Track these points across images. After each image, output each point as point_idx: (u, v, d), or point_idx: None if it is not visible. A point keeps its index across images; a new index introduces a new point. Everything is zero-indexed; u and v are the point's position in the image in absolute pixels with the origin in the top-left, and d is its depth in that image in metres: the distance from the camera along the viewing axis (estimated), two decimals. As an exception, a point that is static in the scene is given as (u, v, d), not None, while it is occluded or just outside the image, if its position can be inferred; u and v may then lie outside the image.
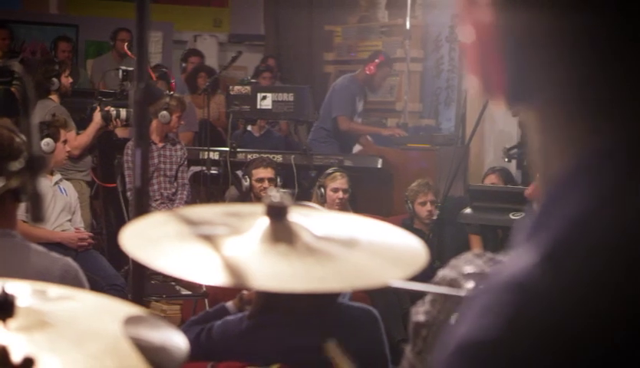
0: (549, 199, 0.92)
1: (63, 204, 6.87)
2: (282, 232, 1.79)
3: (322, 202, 7.24)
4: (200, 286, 6.38)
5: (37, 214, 1.59)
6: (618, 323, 0.81)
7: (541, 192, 0.95)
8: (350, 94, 9.51)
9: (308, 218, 1.87)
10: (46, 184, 6.67)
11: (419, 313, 2.11)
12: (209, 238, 1.75)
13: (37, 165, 1.62)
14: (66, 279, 3.03)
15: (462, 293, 1.98)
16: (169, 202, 8.03)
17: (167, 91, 8.40)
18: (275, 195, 1.81)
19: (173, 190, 8.13)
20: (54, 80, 8.27)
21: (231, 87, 8.90)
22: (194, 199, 8.57)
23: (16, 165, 1.68)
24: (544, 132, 0.96)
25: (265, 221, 1.81)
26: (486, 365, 0.83)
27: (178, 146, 8.21)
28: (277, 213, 1.80)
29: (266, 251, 1.76)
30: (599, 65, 0.92)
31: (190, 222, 1.82)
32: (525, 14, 0.94)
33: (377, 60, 9.68)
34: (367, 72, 9.61)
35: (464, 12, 0.98)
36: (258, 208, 1.84)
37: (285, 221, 1.81)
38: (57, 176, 6.98)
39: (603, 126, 0.91)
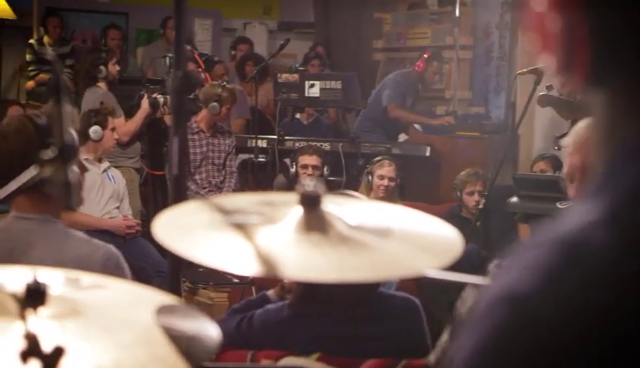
0: (607, 172, 0.92)
1: (111, 191, 6.91)
2: (315, 221, 1.78)
3: (369, 189, 7.21)
4: (247, 274, 6.38)
5: (68, 202, 1.59)
6: None
7: (596, 172, 0.94)
8: (401, 88, 9.51)
9: (342, 207, 1.85)
10: (95, 172, 6.71)
11: (461, 310, 2.09)
12: (242, 227, 1.74)
13: (68, 153, 1.61)
14: (107, 266, 3.04)
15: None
16: (217, 190, 8.06)
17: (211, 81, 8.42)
18: (309, 184, 1.80)
19: (221, 178, 8.15)
20: (102, 68, 8.32)
21: (279, 75, 8.90)
22: (242, 187, 8.58)
23: (48, 154, 1.68)
24: (611, 117, 0.95)
25: (298, 211, 1.79)
26: (531, 317, 0.82)
27: (227, 135, 8.23)
28: (311, 202, 1.79)
29: (299, 240, 1.74)
30: None
31: (224, 211, 1.81)
32: None
33: (424, 56, 9.65)
34: (417, 69, 9.61)
35: None
36: (292, 197, 1.82)
37: (319, 210, 1.80)
38: (106, 164, 7.02)
39: None
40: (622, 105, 0.94)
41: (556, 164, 7.25)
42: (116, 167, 7.35)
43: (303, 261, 1.71)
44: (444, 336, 2.17)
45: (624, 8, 0.92)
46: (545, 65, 0.98)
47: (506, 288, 0.85)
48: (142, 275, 6.53)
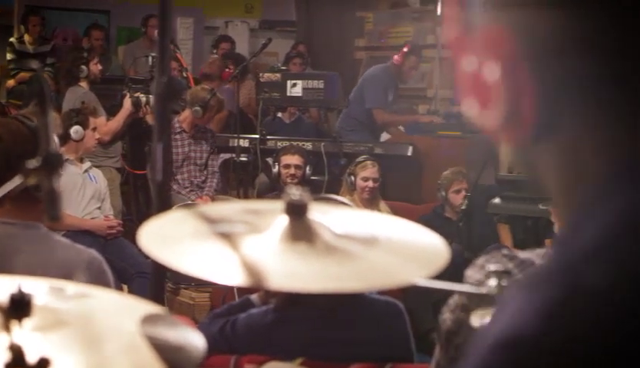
0: (584, 207, 0.92)
1: (92, 191, 6.89)
2: (301, 231, 1.77)
3: (352, 190, 7.21)
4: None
5: (53, 212, 1.58)
6: None
7: (562, 223, 0.95)
8: (382, 84, 9.49)
9: (327, 216, 1.84)
10: (76, 172, 6.69)
11: (448, 320, 2.08)
12: (227, 237, 1.73)
13: (53, 163, 1.60)
14: (91, 271, 3.04)
15: (485, 291, 1.95)
16: (198, 190, 8.05)
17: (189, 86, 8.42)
18: (295, 193, 1.79)
19: (203, 178, 8.15)
20: (83, 67, 8.31)
21: (261, 75, 8.89)
22: (224, 187, 8.57)
23: (33, 163, 1.66)
24: (565, 167, 0.96)
25: (284, 220, 1.78)
26: (527, 360, 0.82)
27: (208, 135, 8.23)
28: (296, 211, 1.78)
29: (285, 250, 1.73)
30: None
31: (209, 220, 1.80)
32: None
33: (403, 49, 9.65)
34: (395, 62, 9.59)
35: (486, 47, 0.97)
36: (278, 206, 1.81)
37: (305, 219, 1.79)
38: (87, 164, 7.00)
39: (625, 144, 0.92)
40: (575, 155, 0.95)
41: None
42: (96, 166, 7.34)
43: (289, 270, 1.70)
44: (437, 351, 2.17)
45: (569, 56, 0.92)
46: (487, 124, 0.98)
47: (505, 332, 0.85)
48: (123, 276, 6.53)
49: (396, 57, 9.61)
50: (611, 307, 0.82)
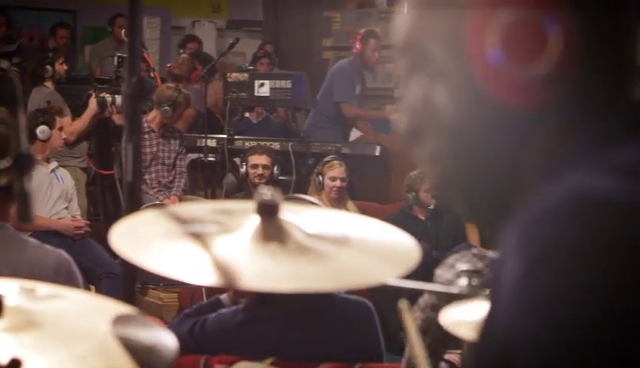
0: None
1: (59, 192, 6.86)
2: (272, 231, 1.77)
3: (320, 189, 7.22)
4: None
5: (24, 213, 1.57)
6: None
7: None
8: (349, 77, 9.47)
9: (299, 216, 1.85)
10: (43, 172, 6.66)
11: (418, 319, 2.09)
12: (199, 237, 1.73)
13: (24, 163, 1.60)
14: (59, 272, 3.02)
15: (456, 290, 1.96)
16: (166, 190, 8.03)
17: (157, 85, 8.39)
18: (266, 193, 1.79)
19: (171, 178, 8.12)
20: (48, 67, 8.27)
21: (229, 74, 8.88)
22: (192, 187, 8.55)
23: (4, 164, 1.66)
24: (548, 132, 0.98)
25: (255, 219, 1.78)
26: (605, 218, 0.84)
27: (177, 135, 8.20)
28: (268, 211, 1.78)
29: (257, 250, 1.74)
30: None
31: (180, 220, 1.80)
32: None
33: (359, 36, 9.64)
34: (355, 51, 9.58)
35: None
36: (249, 206, 1.81)
37: (276, 219, 1.79)
38: (54, 164, 6.97)
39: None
40: (559, 121, 0.98)
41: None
42: (62, 166, 7.30)
43: (260, 270, 1.70)
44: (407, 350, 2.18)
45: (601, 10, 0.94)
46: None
47: (575, 190, 0.88)
48: (91, 276, 6.49)
49: (355, 45, 9.60)
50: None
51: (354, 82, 9.51)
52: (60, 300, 1.74)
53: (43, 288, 1.77)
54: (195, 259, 1.68)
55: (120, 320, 1.68)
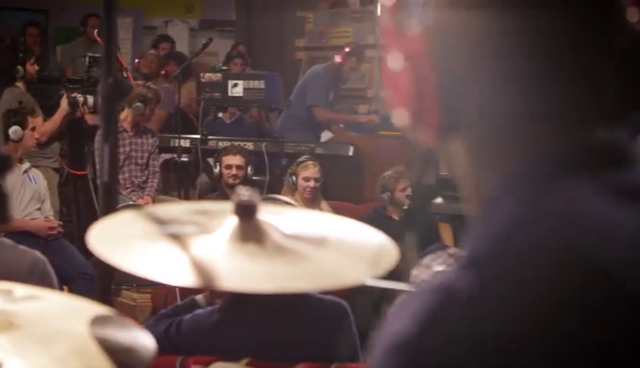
0: (477, 217, 0.98)
1: (32, 192, 6.84)
2: (250, 231, 1.77)
3: (293, 190, 7.22)
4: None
5: (3, 214, 1.57)
6: (536, 329, 0.86)
7: (471, 214, 0.99)
8: (323, 83, 9.50)
9: (277, 217, 1.85)
10: (15, 173, 6.62)
11: None
12: (176, 238, 1.73)
13: (2, 165, 1.59)
14: (34, 272, 3.01)
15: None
16: (139, 190, 8.01)
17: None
18: (244, 193, 1.79)
19: (144, 178, 8.10)
20: (19, 67, 8.22)
21: (202, 75, 8.87)
22: (165, 187, 8.53)
23: (-19, 165, 1.65)
24: (474, 158, 0.99)
25: (233, 220, 1.79)
26: (418, 360, 0.88)
27: (149, 134, 8.18)
28: (246, 212, 1.79)
29: (235, 250, 1.74)
30: (534, 78, 0.95)
31: (158, 221, 1.80)
32: (458, 37, 0.97)
33: (345, 50, 9.68)
34: (336, 62, 9.62)
35: (392, 44, 1.00)
36: (227, 207, 1.82)
37: (254, 219, 1.79)
38: (27, 165, 6.94)
39: (530, 146, 0.96)
40: (476, 157, 1.00)
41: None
42: (34, 166, 7.26)
43: (239, 271, 1.71)
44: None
45: (468, 56, 0.96)
46: (401, 122, 1.02)
47: (393, 337, 0.90)
48: (64, 276, 6.46)
49: (337, 57, 9.64)
50: (479, 312, 0.87)
51: (328, 88, 9.54)
52: (37, 302, 1.74)
53: (20, 290, 1.77)
54: (173, 260, 1.68)
55: (98, 320, 1.68)
